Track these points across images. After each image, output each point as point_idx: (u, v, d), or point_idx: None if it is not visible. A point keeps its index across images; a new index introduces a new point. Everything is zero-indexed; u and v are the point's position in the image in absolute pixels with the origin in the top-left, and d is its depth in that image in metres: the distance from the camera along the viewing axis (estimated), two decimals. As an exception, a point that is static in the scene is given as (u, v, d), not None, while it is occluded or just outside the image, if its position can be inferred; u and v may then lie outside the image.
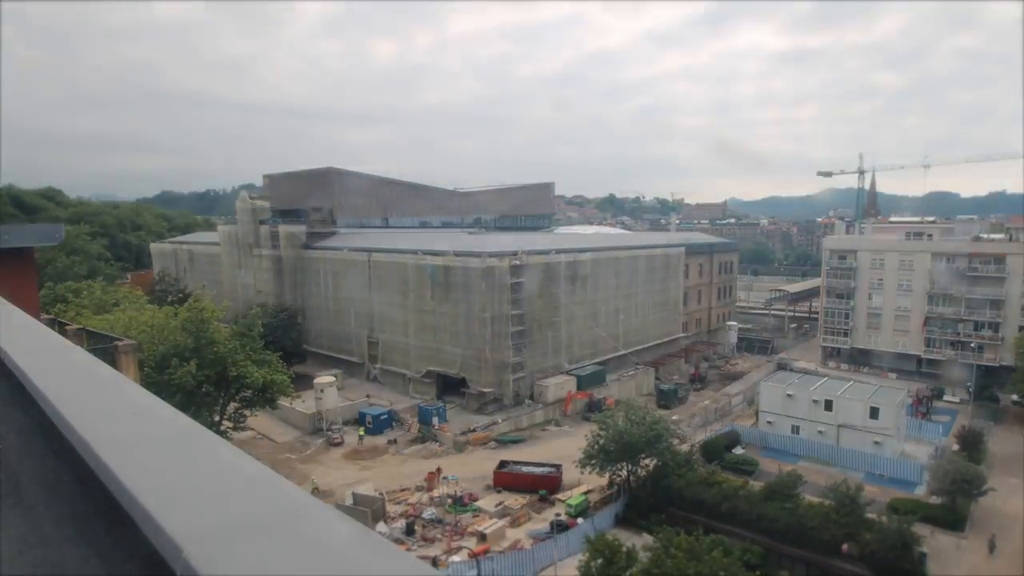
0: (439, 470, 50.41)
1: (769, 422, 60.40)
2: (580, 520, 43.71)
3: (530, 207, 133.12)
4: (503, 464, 51.41)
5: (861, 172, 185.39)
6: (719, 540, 35.69)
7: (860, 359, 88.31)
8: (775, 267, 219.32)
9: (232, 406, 47.35)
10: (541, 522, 44.59)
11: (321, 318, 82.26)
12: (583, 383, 69.13)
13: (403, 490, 49.38)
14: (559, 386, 67.27)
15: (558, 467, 50.80)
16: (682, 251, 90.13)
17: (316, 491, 47.92)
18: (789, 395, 59.57)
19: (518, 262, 64.48)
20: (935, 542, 41.31)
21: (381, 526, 42.80)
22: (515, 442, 58.45)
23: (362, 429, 60.51)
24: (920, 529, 40.31)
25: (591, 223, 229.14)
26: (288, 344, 68.99)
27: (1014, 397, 68.73)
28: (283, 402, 53.61)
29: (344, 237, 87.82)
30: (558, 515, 44.78)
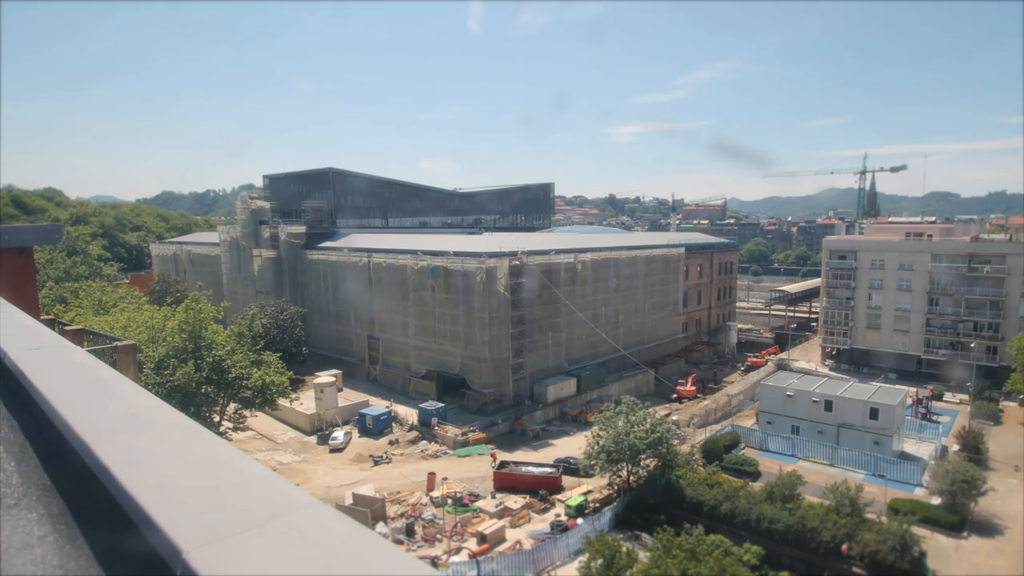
0: (433, 475, 50.29)
1: (769, 422, 60.38)
2: (580, 520, 43.71)
3: (530, 207, 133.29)
4: (503, 464, 51.41)
5: (862, 172, 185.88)
6: (719, 541, 35.72)
7: (860, 359, 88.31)
8: (775, 267, 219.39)
9: (232, 407, 47.35)
10: (541, 523, 44.59)
11: (321, 318, 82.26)
12: (583, 384, 69.11)
13: (399, 493, 49.37)
14: (559, 387, 67.26)
15: (558, 467, 50.82)
16: (682, 251, 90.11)
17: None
18: (789, 395, 59.55)
19: (518, 262, 64.46)
20: (935, 542, 41.30)
21: (381, 526, 42.80)
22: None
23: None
24: (920, 530, 40.32)
25: (591, 223, 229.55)
26: (288, 344, 68.99)
27: (1021, 398, 68.62)
28: (283, 402, 53.54)
29: (344, 238, 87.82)
30: (558, 515, 44.79)
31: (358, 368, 77.55)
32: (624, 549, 33.82)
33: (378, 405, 65.38)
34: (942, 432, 61.39)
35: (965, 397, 71.85)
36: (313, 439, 60.78)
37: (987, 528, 43.86)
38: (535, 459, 54.16)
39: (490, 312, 63.19)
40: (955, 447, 55.53)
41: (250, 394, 46.39)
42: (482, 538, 41.17)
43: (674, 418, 61.00)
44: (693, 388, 76.12)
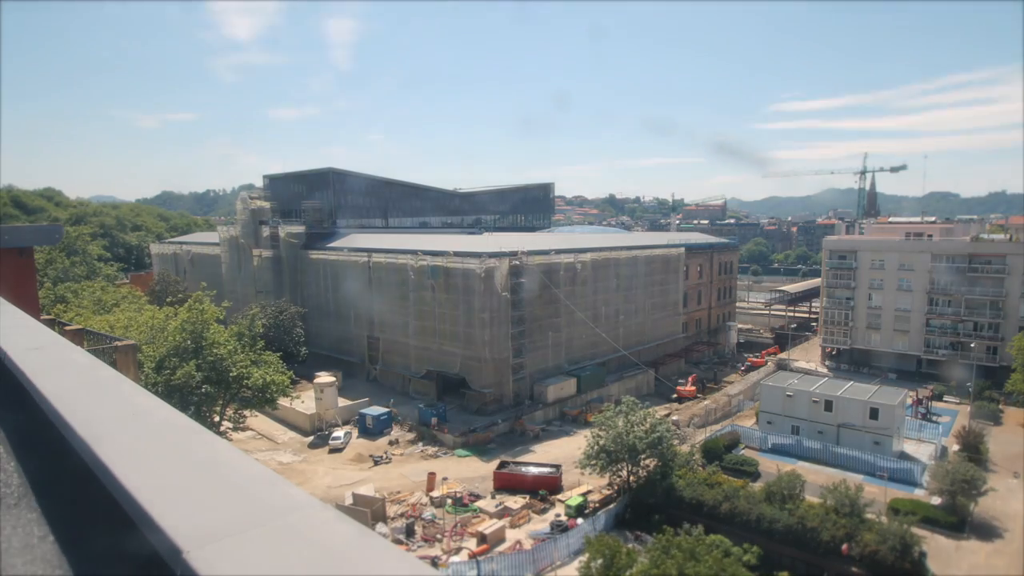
0: (433, 475, 50.40)
1: (769, 422, 60.37)
2: (580, 520, 43.73)
3: (530, 207, 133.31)
4: (503, 464, 51.44)
5: (862, 172, 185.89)
6: (719, 541, 35.72)
7: (860, 359, 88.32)
8: (775, 267, 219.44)
9: (231, 406, 47.34)
10: (541, 523, 44.60)
11: (321, 318, 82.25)
12: (583, 384, 69.11)
13: (399, 493, 49.38)
14: (559, 387, 67.25)
15: (558, 467, 50.83)
16: (682, 251, 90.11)
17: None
18: (789, 395, 59.54)
19: (518, 262, 64.47)
20: (935, 543, 41.30)
21: (381, 526, 42.81)
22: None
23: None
24: (920, 530, 40.31)
25: (591, 223, 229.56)
26: (288, 345, 68.99)
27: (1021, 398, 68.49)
28: (283, 402, 53.52)
29: (344, 237, 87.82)
30: (558, 515, 44.80)
31: (358, 368, 77.55)
32: (624, 550, 33.82)
33: (378, 405, 65.40)
34: (942, 432, 61.39)
35: (965, 396, 71.76)
36: (313, 439, 60.78)
37: (987, 528, 43.85)
38: (536, 459, 54.14)
39: (490, 312, 63.18)
40: (955, 447, 55.52)
41: (250, 394, 46.38)
42: (482, 538, 41.17)
43: (674, 418, 60.99)
44: (693, 388, 76.10)
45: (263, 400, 47.76)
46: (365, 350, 77.22)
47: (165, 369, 41.71)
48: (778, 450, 57.04)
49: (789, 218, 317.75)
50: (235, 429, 48.05)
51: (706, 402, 71.72)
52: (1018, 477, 51.03)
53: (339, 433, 59.52)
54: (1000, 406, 68.99)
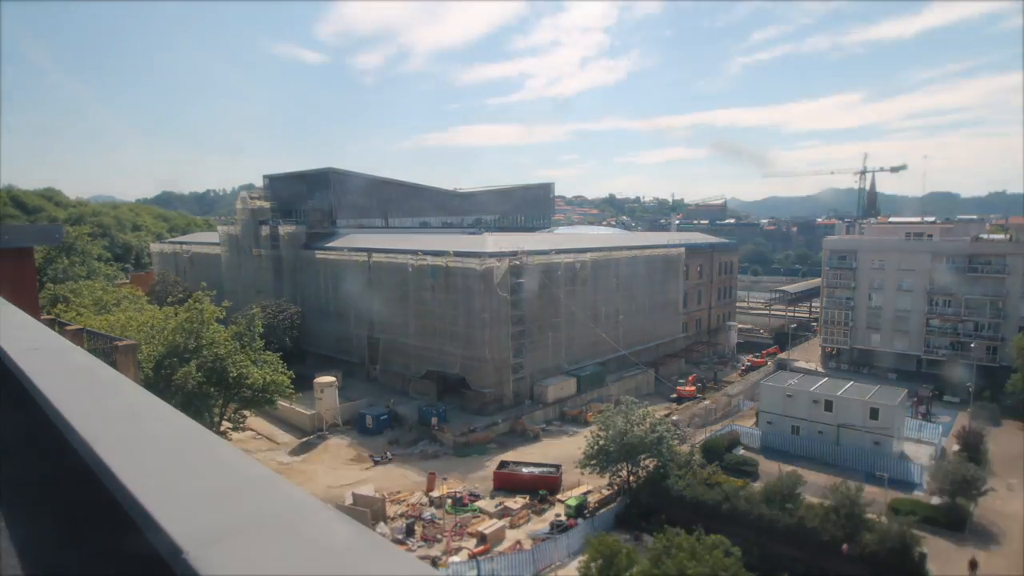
0: (433, 475, 50.43)
1: (769, 422, 60.37)
2: (580, 520, 43.73)
3: (530, 207, 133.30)
4: (503, 464, 51.45)
5: (862, 172, 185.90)
6: (719, 541, 35.69)
7: (860, 359, 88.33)
8: (775, 267, 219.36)
9: (231, 406, 47.33)
10: (541, 523, 44.60)
11: (321, 319, 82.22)
12: (583, 384, 69.11)
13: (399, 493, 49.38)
14: (559, 387, 67.24)
15: (558, 467, 50.85)
16: (682, 251, 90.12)
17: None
18: (789, 395, 59.54)
19: (518, 262, 64.45)
20: (935, 543, 41.29)
21: (381, 526, 42.81)
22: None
23: None
24: (920, 530, 40.32)
25: (591, 223, 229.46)
26: (288, 345, 68.95)
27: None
28: (283, 403, 53.50)
29: (344, 237, 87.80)
30: (558, 515, 44.79)
31: (358, 368, 77.52)
32: (623, 550, 33.81)
33: (378, 405, 65.40)
34: (942, 432, 61.38)
35: (965, 397, 71.69)
36: (313, 439, 60.80)
37: (987, 529, 43.86)
38: (536, 458, 54.14)
39: (490, 312, 63.16)
40: (955, 447, 55.51)
41: (250, 394, 46.36)
42: (482, 538, 41.19)
43: (674, 418, 60.97)
44: (693, 388, 76.10)
45: (263, 400, 47.74)
46: (365, 350, 77.17)
47: (164, 369, 41.70)
48: (778, 450, 57.06)
49: (789, 218, 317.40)
50: (235, 429, 48.03)
51: (706, 402, 71.74)
52: (1012, 490, 50.63)
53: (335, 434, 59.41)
54: (1000, 406, 68.84)
